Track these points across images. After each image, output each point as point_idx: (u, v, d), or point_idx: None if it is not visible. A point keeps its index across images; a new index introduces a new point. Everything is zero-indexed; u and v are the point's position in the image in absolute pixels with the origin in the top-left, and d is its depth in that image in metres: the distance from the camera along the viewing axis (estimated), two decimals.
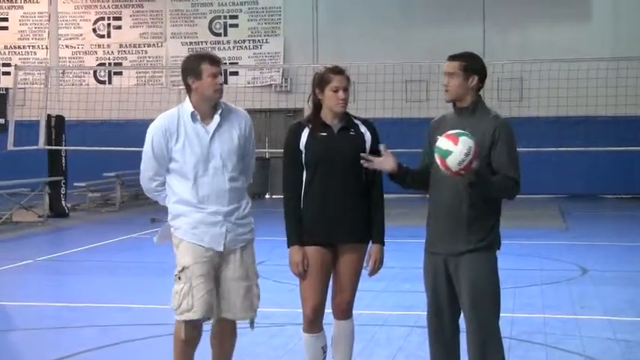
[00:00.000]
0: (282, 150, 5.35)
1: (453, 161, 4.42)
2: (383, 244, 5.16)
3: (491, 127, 4.68)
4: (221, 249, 4.99)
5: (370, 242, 5.16)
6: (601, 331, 7.38)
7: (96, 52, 23.86)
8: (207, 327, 5.15)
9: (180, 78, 5.18)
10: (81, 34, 23.88)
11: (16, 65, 19.79)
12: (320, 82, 5.08)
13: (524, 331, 7.26)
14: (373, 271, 5.16)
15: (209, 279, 4.95)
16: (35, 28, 24.11)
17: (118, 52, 23.79)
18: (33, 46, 24.13)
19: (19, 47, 24.19)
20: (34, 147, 17.59)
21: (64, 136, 17.95)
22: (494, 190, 4.66)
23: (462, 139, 4.44)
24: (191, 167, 4.97)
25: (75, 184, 18.65)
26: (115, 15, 23.84)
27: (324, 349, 5.21)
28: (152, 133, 5.04)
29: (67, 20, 23.34)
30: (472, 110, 4.77)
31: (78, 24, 23.91)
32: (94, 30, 23.95)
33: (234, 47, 23.12)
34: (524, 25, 21.56)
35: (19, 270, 11.13)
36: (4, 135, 17.28)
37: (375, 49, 20.94)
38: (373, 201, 5.14)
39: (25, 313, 8.49)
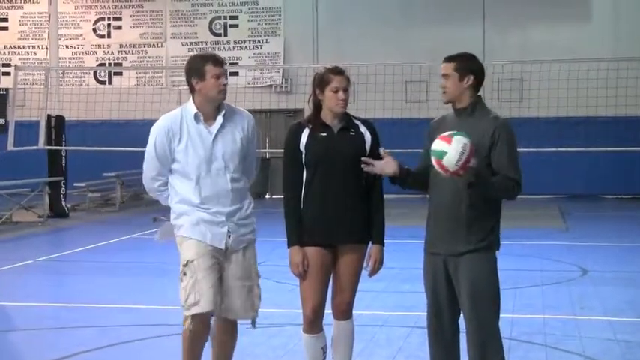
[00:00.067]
0: (282, 150, 5.35)
1: (449, 162, 4.42)
2: (383, 244, 5.16)
3: (491, 128, 4.68)
4: (222, 246, 4.99)
5: (370, 242, 5.16)
6: (601, 332, 7.38)
7: (96, 53, 23.85)
8: None
9: (180, 78, 5.21)
10: (81, 35, 23.87)
11: (16, 65, 19.76)
12: (320, 82, 5.08)
13: (524, 332, 7.27)
14: (373, 272, 5.16)
15: (214, 272, 4.96)
16: (35, 28, 24.09)
17: (118, 52, 23.78)
18: (33, 47, 24.11)
19: (19, 47, 24.18)
20: (34, 147, 17.58)
21: (64, 136, 17.94)
22: (494, 190, 4.67)
23: (456, 138, 4.44)
24: (194, 168, 4.98)
25: (75, 184, 18.64)
26: (115, 15, 23.83)
27: (324, 350, 5.21)
28: (155, 133, 5.05)
29: (67, 20, 23.33)
30: (471, 111, 4.77)
31: (78, 24, 23.90)
32: (94, 30, 23.94)
33: (234, 47, 23.10)
34: (524, 26, 21.55)
35: (19, 270, 11.13)
36: (4, 135, 17.27)
37: (375, 50, 20.93)
38: (373, 203, 5.14)
39: (24, 313, 8.49)
